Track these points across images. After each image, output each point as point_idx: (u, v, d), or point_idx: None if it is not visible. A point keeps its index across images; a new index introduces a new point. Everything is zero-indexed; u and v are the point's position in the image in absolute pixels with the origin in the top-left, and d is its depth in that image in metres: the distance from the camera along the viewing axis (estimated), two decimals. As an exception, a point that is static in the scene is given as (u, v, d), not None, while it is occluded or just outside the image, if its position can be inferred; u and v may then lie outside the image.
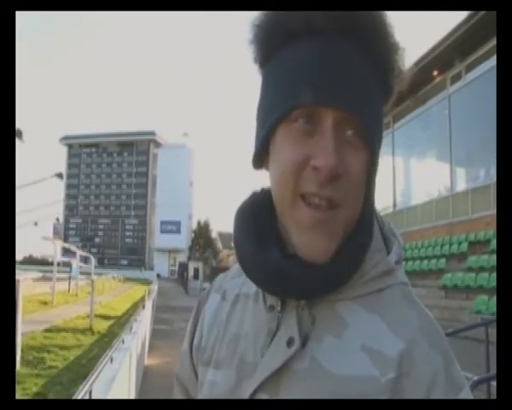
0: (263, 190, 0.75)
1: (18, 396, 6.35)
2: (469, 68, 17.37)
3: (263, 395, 0.65)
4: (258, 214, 0.72)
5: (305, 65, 0.62)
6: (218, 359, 0.73)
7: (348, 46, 0.63)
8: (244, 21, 0.68)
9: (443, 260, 16.29)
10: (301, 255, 0.64)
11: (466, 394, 0.60)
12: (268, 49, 0.67)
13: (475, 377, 3.65)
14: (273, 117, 0.65)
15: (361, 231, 0.67)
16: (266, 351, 0.67)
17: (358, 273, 0.66)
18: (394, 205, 22.95)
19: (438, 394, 0.59)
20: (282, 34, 0.65)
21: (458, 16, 16.35)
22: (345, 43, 0.62)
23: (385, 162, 21.68)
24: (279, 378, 0.64)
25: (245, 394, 0.67)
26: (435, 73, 18.77)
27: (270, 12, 0.66)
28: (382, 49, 0.64)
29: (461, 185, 18.85)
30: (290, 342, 0.64)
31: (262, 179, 0.73)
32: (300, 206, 0.63)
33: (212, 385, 0.72)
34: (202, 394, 0.74)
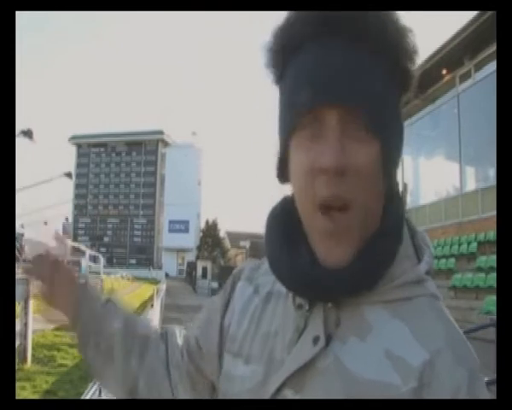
0: (293, 195, 0.75)
1: (29, 394, 6.41)
2: (479, 67, 17.24)
3: (288, 391, 0.67)
4: (289, 219, 0.73)
5: (304, 73, 0.65)
6: (249, 354, 0.75)
7: (349, 42, 0.64)
8: (255, 33, 0.72)
9: (452, 260, 16.20)
10: (322, 262, 0.66)
11: None
12: (278, 69, 0.71)
13: (486, 378, 3.63)
14: (284, 133, 0.68)
15: (385, 232, 0.67)
16: (293, 348, 0.69)
17: (386, 278, 0.66)
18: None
19: None
20: (287, 52, 0.68)
21: (467, 15, 16.24)
22: (345, 41, 0.64)
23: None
24: (304, 375, 0.66)
25: (271, 389, 0.68)
26: (444, 71, 18.65)
27: (275, 31, 0.69)
28: (387, 34, 0.65)
29: (470, 185, 18.72)
30: (316, 341, 0.66)
31: (269, 179, 0.74)
32: (317, 216, 0.65)
33: (242, 380, 0.74)
34: (233, 389, 0.75)
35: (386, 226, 0.67)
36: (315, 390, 0.64)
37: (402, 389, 0.60)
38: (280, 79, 0.71)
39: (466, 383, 0.59)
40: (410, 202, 22.71)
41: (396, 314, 0.65)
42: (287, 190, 0.73)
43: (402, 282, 0.66)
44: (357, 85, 0.63)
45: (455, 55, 17.42)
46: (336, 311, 0.67)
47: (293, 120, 0.65)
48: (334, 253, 0.65)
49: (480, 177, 18.56)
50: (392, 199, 0.69)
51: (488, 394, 0.62)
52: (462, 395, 0.58)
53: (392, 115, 0.67)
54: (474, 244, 15.91)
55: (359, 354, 0.64)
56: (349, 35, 0.63)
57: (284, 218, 0.74)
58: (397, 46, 0.66)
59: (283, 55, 0.69)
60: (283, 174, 0.72)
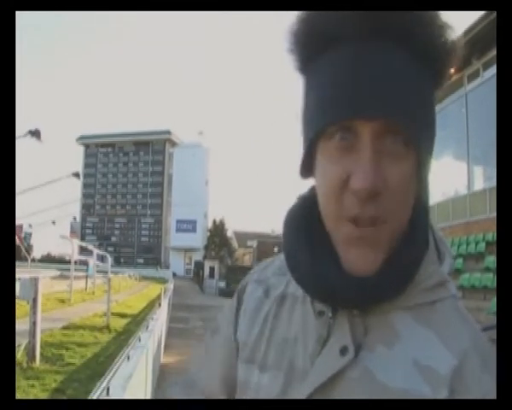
0: (312, 192, 0.71)
1: (38, 392, 6.46)
2: (487, 66, 17.12)
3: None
4: (310, 221, 0.69)
5: (339, 75, 0.60)
6: (264, 361, 0.72)
7: (386, 47, 0.59)
8: (279, 28, 0.67)
9: (460, 260, 16.08)
10: (348, 270, 0.62)
11: None
12: (305, 57, 0.65)
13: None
14: (310, 134, 0.63)
15: (414, 240, 0.65)
16: (317, 358, 0.65)
17: (413, 283, 0.64)
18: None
19: None
20: (318, 42, 0.62)
21: (475, 13, 16.14)
22: (381, 45, 0.59)
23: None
24: (331, 386, 0.63)
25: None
26: (452, 70, 18.52)
27: (305, 16, 0.64)
28: (424, 38, 0.60)
29: (478, 184, 18.60)
30: (344, 351, 0.63)
31: (275, 179, 0.72)
32: (344, 223, 0.61)
33: (258, 388, 0.71)
34: (247, 396, 0.72)
35: (415, 233, 0.65)
36: None
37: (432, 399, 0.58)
38: (306, 68, 0.66)
39: (494, 391, 0.57)
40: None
41: (422, 320, 0.63)
42: (302, 187, 0.71)
43: (427, 286, 0.65)
44: (397, 96, 0.58)
45: (462, 54, 17.28)
46: (362, 319, 0.64)
47: (322, 126, 0.60)
48: (361, 262, 0.61)
49: (488, 176, 18.42)
50: (421, 203, 0.66)
51: None
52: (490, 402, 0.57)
53: (429, 124, 0.63)
54: (482, 244, 15.78)
55: (388, 363, 0.61)
56: (391, 37, 0.59)
57: (305, 220, 0.70)
58: (439, 47, 0.61)
59: (315, 45, 0.63)
60: (306, 171, 0.67)
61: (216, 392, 0.79)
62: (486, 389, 0.57)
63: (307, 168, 0.67)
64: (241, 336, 0.77)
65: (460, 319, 0.64)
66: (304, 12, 0.64)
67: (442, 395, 0.58)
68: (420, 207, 0.66)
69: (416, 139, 0.60)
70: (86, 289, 27.79)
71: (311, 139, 0.63)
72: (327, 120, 0.60)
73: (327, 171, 0.61)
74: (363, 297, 0.62)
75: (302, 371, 0.66)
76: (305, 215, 0.71)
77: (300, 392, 0.65)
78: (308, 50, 0.64)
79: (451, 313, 0.64)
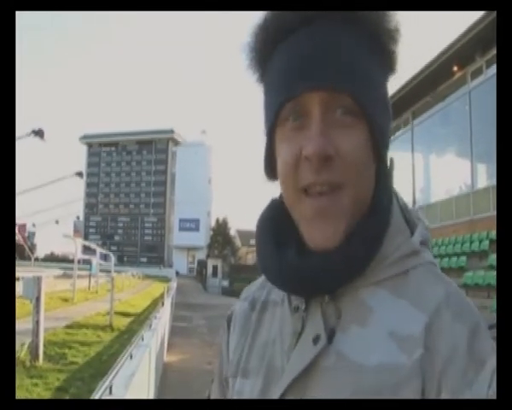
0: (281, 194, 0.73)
1: (41, 390, 6.49)
2: (490, 63, 17.07)
3: (290, 398, 0.63)
4: (278, 218, 0.71)
5: (284, 63, 0.64)
6: (246, 368, 0.72)
7: (331, 27, 0.63)
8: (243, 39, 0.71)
9: (463, 258, 16.06)
10: (312, 247, 0.63)
11: (489, 368, 0.56)
12: (260, 67, 0.70)
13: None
14: (267, 125, 0.67)
15: (376, 210, 0.65)
16: (292, 353, 0.65)
17: (380, 256, 0.64)
18: (414, 202, 22.68)
19: (455, 369, 0.56)
20: (268, 48, 0.67)
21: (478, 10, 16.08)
22: (327, 26, 0.63)
23: (404, 159, 21.48)
24: (307, 378, 0.62)
25: (273, 397, 0.65)
26: (455, 68, 18.49)
27: (254, 30, 0.68)
28: (369, 17, 0.64)
29: (482, 182, 18.56)
30: (316, 340, 0.62)
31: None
32: (303, 199, 0.63)
33: (240, 394, 0.71)
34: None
35: (376, 206, 0.65)
36: (319, 392, 0.61)
37: (408, 365, 0.57)
38: (262, 77, 0.70)
39: (465, 340, 0.57)
40: (420, 199, 22.58)
41: (394, 291, 0.63)
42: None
43: (396, 257, 0.64)
44: (341, 67, 0.61)
45: (466, 52, 17.25)
46: (334, 303, 0.64)
47: (275, 111, 0.64)
48: (322, 234, 0.62)
49: (492, 174, 18.36)
50: (381, 179, 0.67)
51: (493, 346, 0.58)
52: (461, 353, 0.56)
53: (379, 96, 0.65)
54: (486, 242, 15.73)
55: (362, 342, 0.61)
56: (327, 19, 0.63)
57: (274, 220, 0.72)
58: (378, 25, 0.64)
59: (264, 52, 0.68)
60: (272, 171, 0.70)
61: None
62: (457, 337, 0.57)
63: (271, 169, 0.70)
64: (231, 354, 0.77)
65: (433, 279, 0.64)
66: (253, 25, 0.68)
67: (416, 355, 0.57)
68: (381, 181, 0.67)
69: (362, 109, 0.62)
70: (89, 288, 27.87)
71: (271, 127, 0.66)
72: (279, 101, 0.63)
73: (283, 152, 0.65)
74: (327, 275, 0.62)
75: (280, 369, 0.66)
76: (275, 216, 0.72)
77: (277, 390, 0.64)
78: (262, 58, 0.69)
79: (425, 276, 0.64)
